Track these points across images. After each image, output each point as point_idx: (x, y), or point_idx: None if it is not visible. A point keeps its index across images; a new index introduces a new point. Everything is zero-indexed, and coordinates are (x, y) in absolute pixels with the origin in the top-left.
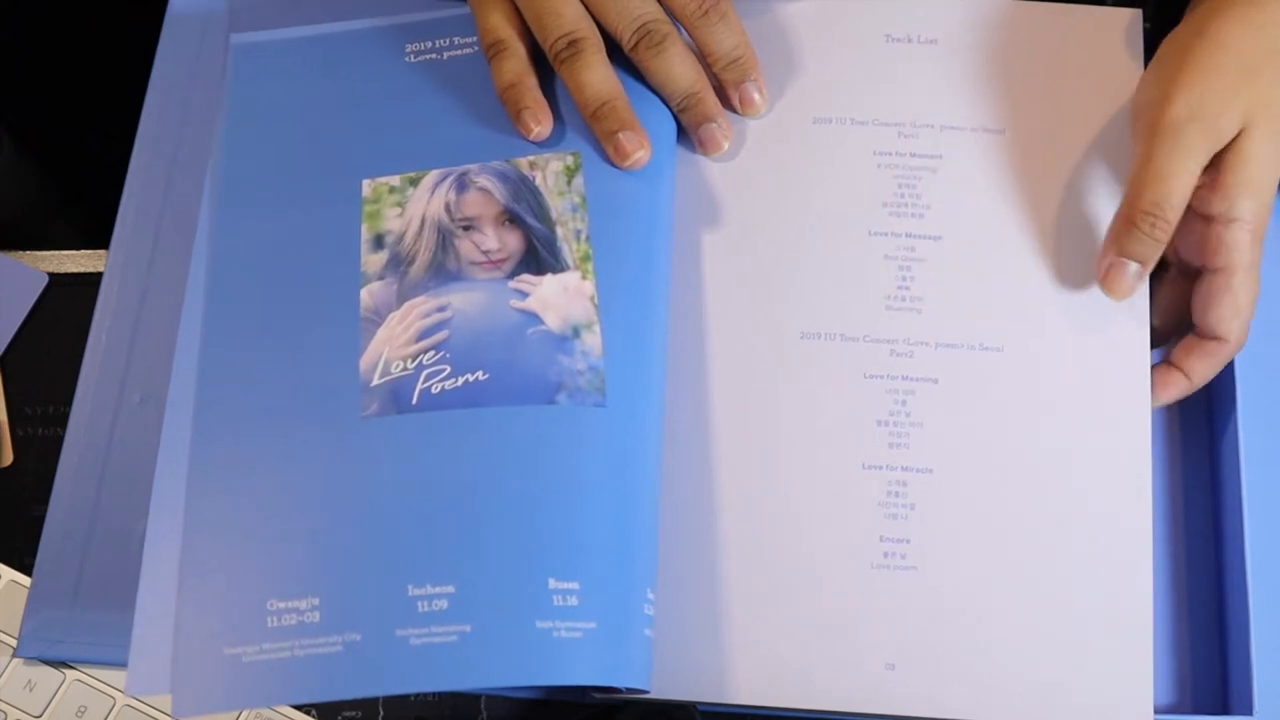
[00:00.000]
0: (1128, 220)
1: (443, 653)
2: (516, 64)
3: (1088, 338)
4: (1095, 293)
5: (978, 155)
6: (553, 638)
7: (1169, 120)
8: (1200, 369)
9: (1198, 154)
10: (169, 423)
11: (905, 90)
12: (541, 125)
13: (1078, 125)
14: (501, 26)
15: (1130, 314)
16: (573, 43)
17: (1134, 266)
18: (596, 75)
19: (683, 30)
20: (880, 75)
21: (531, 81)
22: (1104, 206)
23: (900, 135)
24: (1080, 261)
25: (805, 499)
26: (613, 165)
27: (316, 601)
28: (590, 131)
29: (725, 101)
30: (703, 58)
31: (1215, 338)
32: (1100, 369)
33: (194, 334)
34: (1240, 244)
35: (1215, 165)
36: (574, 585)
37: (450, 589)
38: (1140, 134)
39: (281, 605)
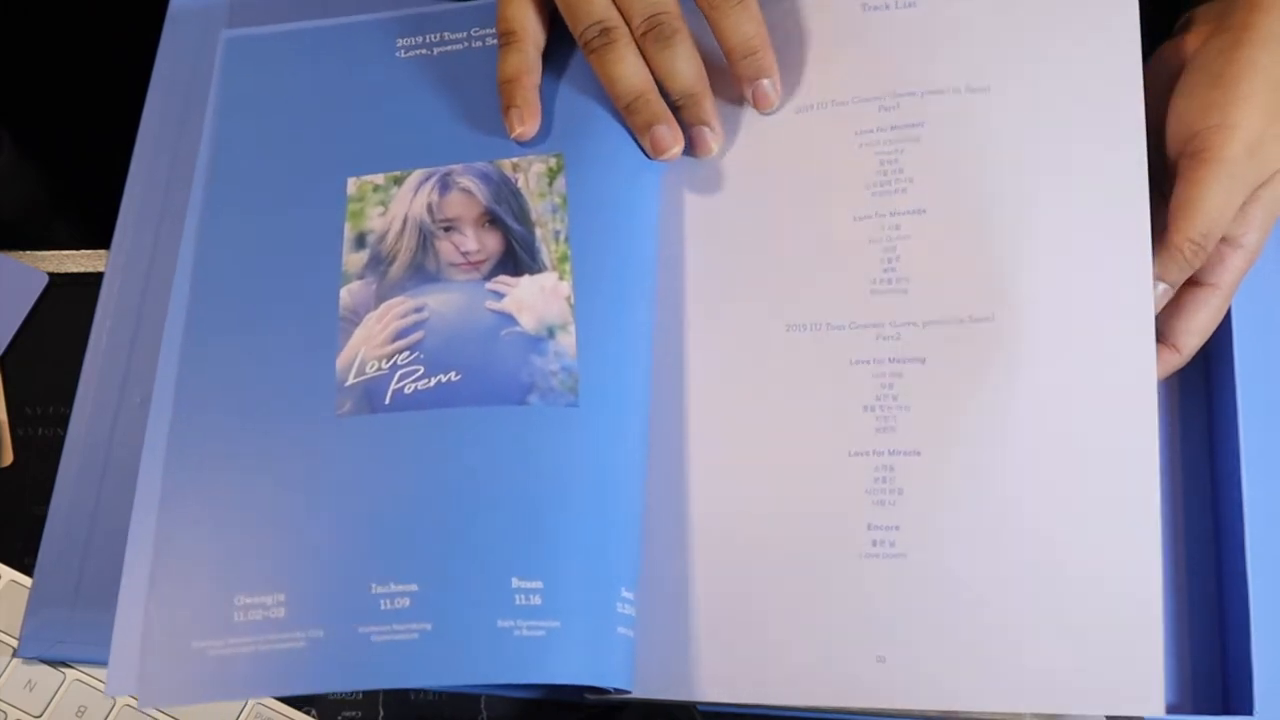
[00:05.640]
0: (1173, 246)
1: (403, 650)
2: (519, 60)
3: (1083, 303)
4: (1088, 253)
5: (960, 117)
6: (513, 636)
7: (1228, 155)
8: None
9: (1247, 190)
10: (153, 420)
11: (885, 61)
12: (525, 126)
13: (1063, 80)
14: (516, 17)
15: (1131, 276)
16: (605, 30)
17: (1163, 287)
18: (629, 68)
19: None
20: (859, 49)
21: (529, 80)
22: (1091, 162)
23: (881, 109)
24: (1069, 221)
25: (792, 491)
26: (648, 156)
27: (282, 597)
28: (574, 134)
29: (737, 90)
30: (712, 49)
31: (1171, 346)
32: (1099, 336)
33: (178, 330)
34: (1235, 268)
35: None
36: (537, 584)
37: (413, 587)
38: (1191, 159)
39: (248, 600)
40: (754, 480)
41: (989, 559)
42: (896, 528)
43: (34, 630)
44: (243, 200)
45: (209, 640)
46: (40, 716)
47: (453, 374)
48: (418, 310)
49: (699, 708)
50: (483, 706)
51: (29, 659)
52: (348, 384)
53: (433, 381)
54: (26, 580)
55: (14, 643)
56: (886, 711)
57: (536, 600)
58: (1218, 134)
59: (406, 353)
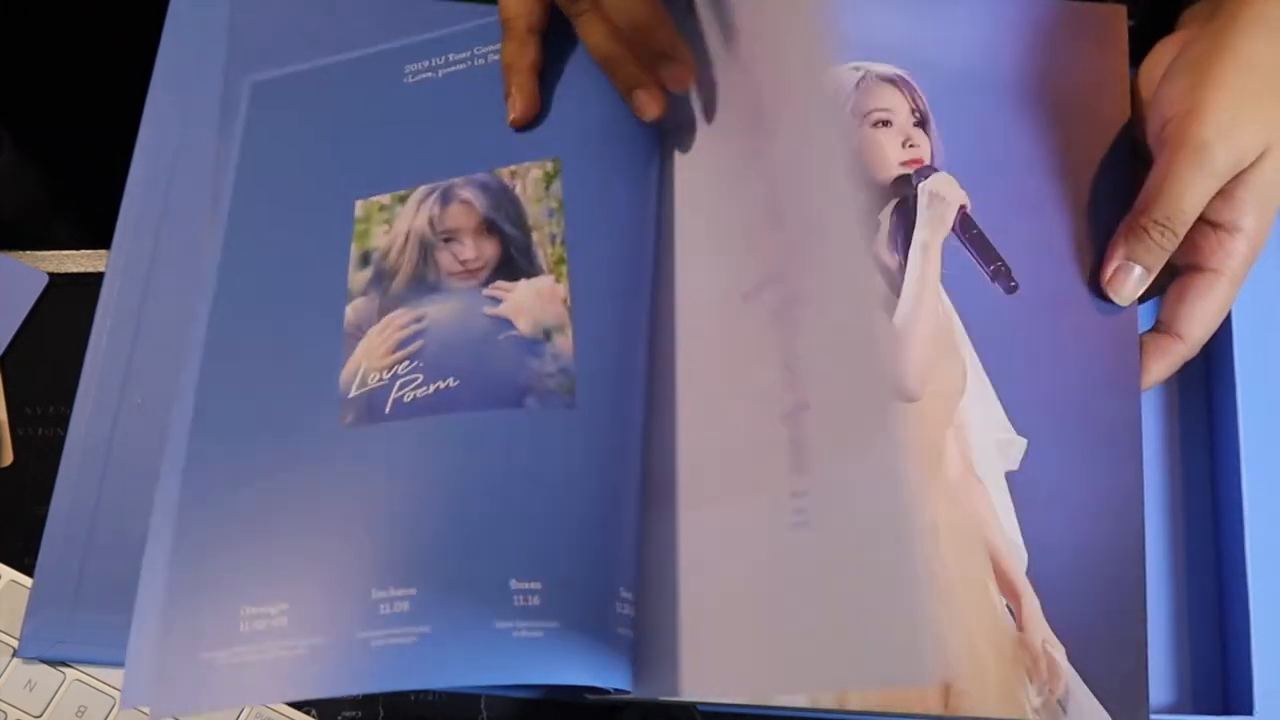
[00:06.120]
0: (1139, 227)
1: (401, 654)
2: (513, 47)
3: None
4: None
5: None
6: (511, 638)
7: (1195, 138)
8: (1156, 369)
9: (1219, 175)
10: (173, 434)
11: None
12: (517, 112)
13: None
14: (510, 4)
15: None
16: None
17: (1139, 270)
18: (598, 32)
19: None
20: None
21: (523, 64)
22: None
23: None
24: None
25: (738, 473)
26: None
27: (285, 606)
28: (571, 137)
29: None
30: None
31: (1175, 335)
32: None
33: (198, 349)
34: (1237, 253)
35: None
36: (536, 585)
37: (411, 591)
38: (1163, 144)
39: (253, 611)
40: (735, 473)
41: (882, 517)
42: (807, 494)
43: (34, 630)
44: (259, 231)
45: (217, 650)
46: (40, 716)
47: (450, 380)
48: (417, 320)
49: (699, 708)
50: (483, 707)
51: (29, 659)
52: (350, 396)
53: (431, 388)
54: (26, 580)
55: (14, 643)
56: (889, 711)
57: (535, 601)
58: (1187, 119)
59: (407, 362)
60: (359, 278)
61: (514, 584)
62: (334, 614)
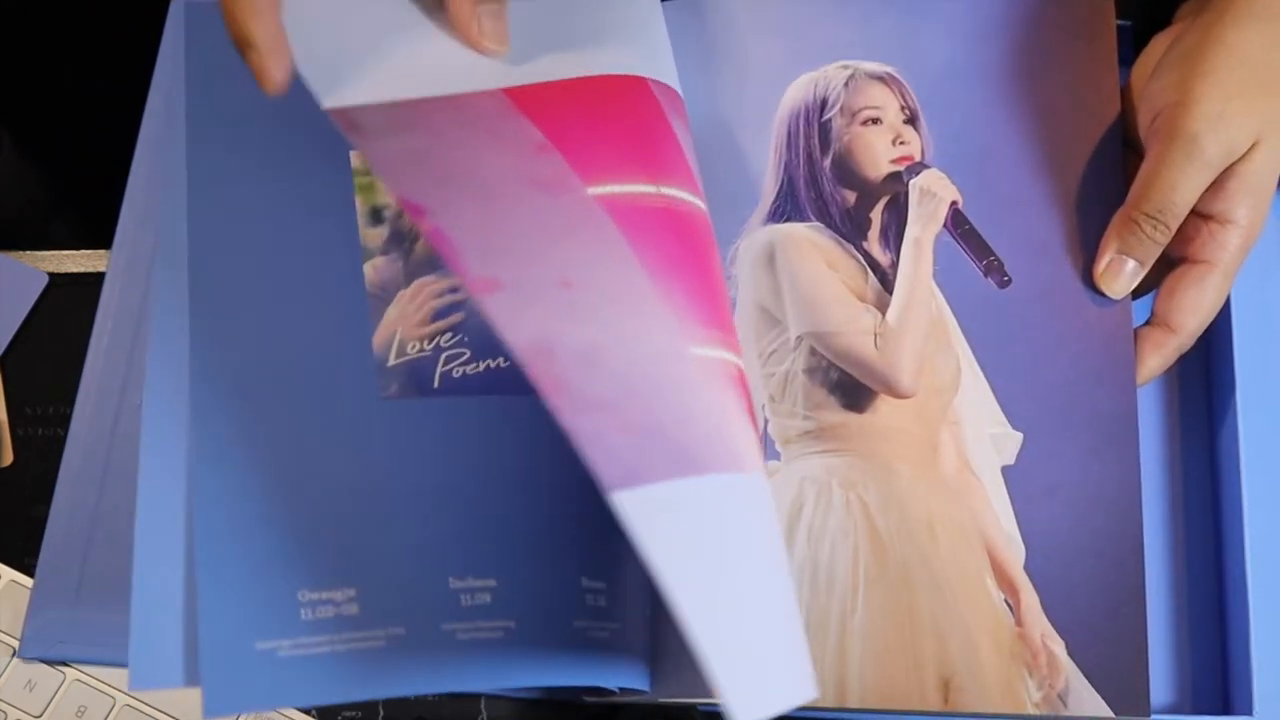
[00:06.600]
0: (1131, 220)
1: (489, 649)
2: None
3: None
4: None
5: None
6: (588, 637)
7: (1186, 129)
8: (1150, 362)
9: (1211, 166)
10: (149, 409)
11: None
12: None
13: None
14: None
15: None
16: None
17: (1131, 264)
18: None
19: None
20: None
21: None
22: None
23: None
24: None
25: None
26: None
27: (353, 593)
28: None
29: None
30: None
31: (1169, 328)
32: None
33: (174, 321)
34: (1229, 245)
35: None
36: (602, 585)
37: (492, 582)
38: (1154, 136)
39: (314, 596)
40: None
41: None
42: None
43: (35, 630)
44: (231, 175)
45: (276, 641)
46: (40, 716)
47: (500, 360)
48: (453, 290)
49: (699, 708)
50: (483, 707)
51: (29, 659)
52: (390, 365)
53: (481, 366)
54: (27, 580)
55: (14, 643)
56: (889, 708)
57: (603, 601)
58: (1177, 110)
59: (449, 334)
60: (373, 234)
61: (585, 582)
62: (412, 602)
